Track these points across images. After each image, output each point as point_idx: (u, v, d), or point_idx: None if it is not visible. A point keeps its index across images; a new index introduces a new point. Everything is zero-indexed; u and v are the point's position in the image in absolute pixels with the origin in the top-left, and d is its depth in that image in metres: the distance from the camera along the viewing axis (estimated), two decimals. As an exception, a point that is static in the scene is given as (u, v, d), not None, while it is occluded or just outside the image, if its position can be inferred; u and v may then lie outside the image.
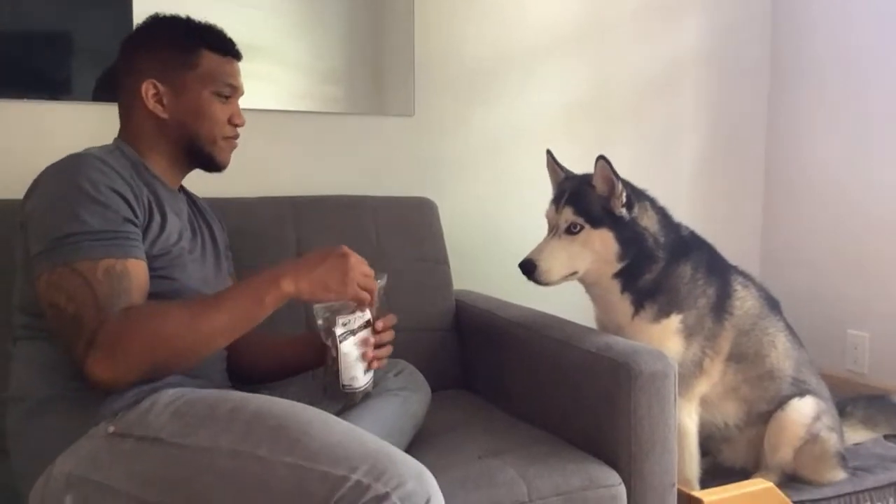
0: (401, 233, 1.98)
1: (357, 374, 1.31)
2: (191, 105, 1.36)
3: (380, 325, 1.36)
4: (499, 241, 2.28)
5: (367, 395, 1.40)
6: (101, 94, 1.83)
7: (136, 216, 1.23)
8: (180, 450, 1.11)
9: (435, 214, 2.06)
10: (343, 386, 1.31)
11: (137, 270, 1.19)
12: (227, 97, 1.40)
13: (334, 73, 2.13)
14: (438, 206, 2.08)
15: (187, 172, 1.45)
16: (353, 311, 1.30)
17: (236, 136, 1.44)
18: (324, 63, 2.11)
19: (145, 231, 1.25)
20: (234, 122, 1.42)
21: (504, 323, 1.82)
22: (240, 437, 1.10)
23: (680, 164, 2.67)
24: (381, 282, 1.35)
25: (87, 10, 1.83)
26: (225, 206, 1.68)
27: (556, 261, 1.70)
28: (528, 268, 1.69)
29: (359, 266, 1.26)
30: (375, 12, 2.16)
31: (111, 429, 1.15)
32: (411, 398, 1.53)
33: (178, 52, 1.36)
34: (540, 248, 1.72)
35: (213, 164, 1.43)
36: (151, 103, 1.35)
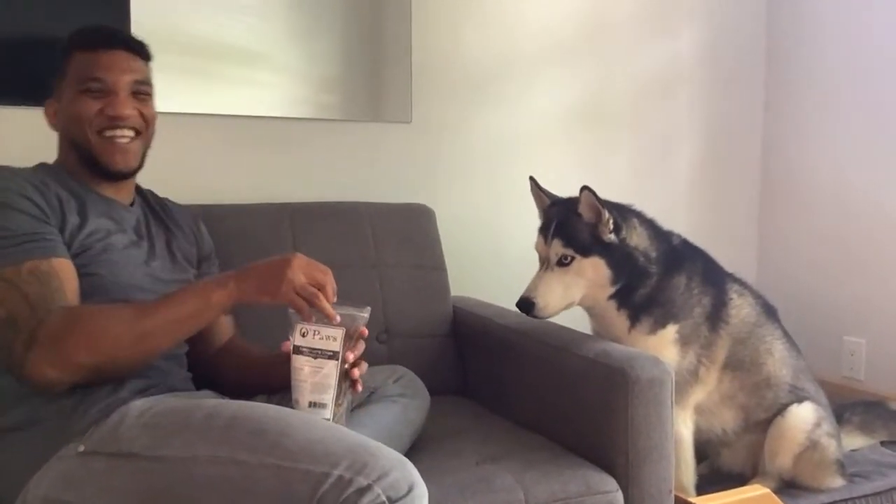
0: (398, 239, 1.98)
1: (300, 399, 1.20)
2: (65, 111, 1.33)
3: (355, 372, 1.25)
4: (496, 247, 2.29)
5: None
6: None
7: (47, 216, 1.22)
8: (156, 462, 1.10)
9: (432, 221, 2.06)
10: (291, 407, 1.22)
11: (64, 268, 1.20)
12: (98, 91, 1.31)
13: (331, 80, 2.14)
14: (436, 213, 2.08)
15: (110, 180, 1.36)
16: (320, 322, 1.21)
17: (112, 128, 1.31)
18: (321, 70, 2.12)
19: (62, 229, 1.24)
20: (106, 112, 1.30)
21: (501, 329, 1.82)
22: (217, 442, 1.09)
23: (676, 170, 2.68)
24: (363, 314, 1.24)
25: (83, 16, 1.83)
26: (221, 213, 1.69)
27: (553, 295, 1.70)
28: (527, 306, 1.70)
29: (302, 271, 1.20)
30: (373, 19, 2.17)
31: (81, 448, 1.13)
32: (410, 405, 1.53)
33: (61, 67, 1.34)
34: (535, 284, 1.72)
35: (100, 168, 1.33)
36: (51, 120, 1.37)
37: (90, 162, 1.34)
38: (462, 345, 1.96)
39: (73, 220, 1.27)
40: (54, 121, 1.36)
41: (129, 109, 1.32)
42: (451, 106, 2.28)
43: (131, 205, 1.43)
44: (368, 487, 1.01)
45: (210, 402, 1.20)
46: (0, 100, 1.78)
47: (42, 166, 1.35)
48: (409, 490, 1.04)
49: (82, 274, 1.24)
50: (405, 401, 1.51)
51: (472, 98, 2.31)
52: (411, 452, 1.46)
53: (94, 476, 1.11)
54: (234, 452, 1.07)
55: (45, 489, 1.12)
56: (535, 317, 1.70)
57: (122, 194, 1.40)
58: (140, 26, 1.84)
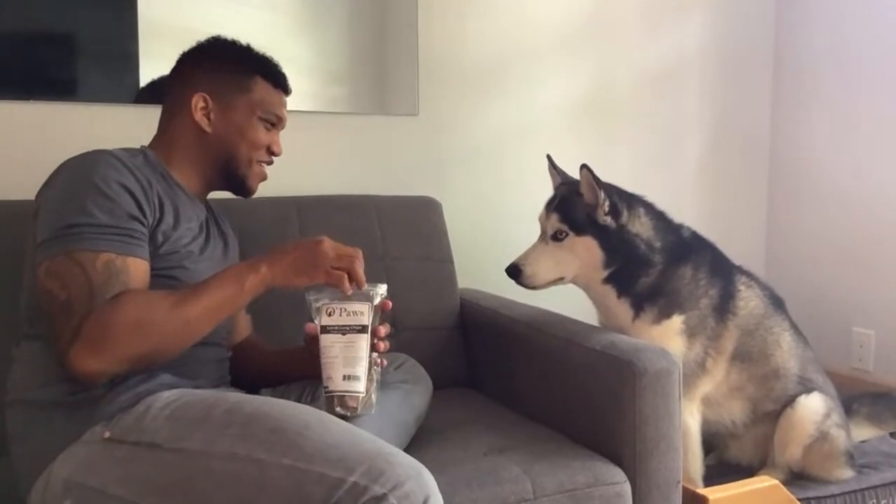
0: (406, 232, 1.98)
1: (333, 375, 1.23)
2: (236, 125, 1.40)
3: (381, 346, 1.30)
4: (503, 239, 2.26)
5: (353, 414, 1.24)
6: (143, 99, 1.83)
7: (144, 214, 1.23)
8: (176, 454, 1.10)
9: (439, 213, 2.06)
10: (324, 386, 1.24)
11: (137, 269, 1.20)
12: (271, 125, 1.45)
13: (338, 73, 2.14)
14: (443, 205, 2.08)
15: (212, 190, 1.47)
16: (340, 300, 1.24)
17: (270, 163, 1.48)
18: (328, 63, 2.12)
19: (155, 228, 1.26)
20: (272, 150, 1.46)
21: (509, 321, 1.82)
22: (236, 439, 1.09)
23: (684, 162, 2.67)
24: (380, 290, 1.28)
25: (92, 11, 1.83)
26: (229, 207, 1.68)
27: (541, 266, 1.73)
28: (514, 272, 1.72)
29: (332, 250, 1.24)
30: (379, 12, 2.17)
31: (107, 434, 1.14)
32: (413, 391, 1.53)
33: (234, 74, 1.41)
34: (526, 254, 1.75)
35: (243, 187, 1.46)
36: (199, 115, 1.38)
37: (231, 177, 1.43)
38: (469, 337, 1.97)
39: (168, 219, 1.29)
40: (202, 115, 1.38)
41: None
42: (459, 98, 2.28)
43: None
44: (383, 497, 1.00)
45: (232, 396, 1.21)
46: (7, 94, 1.77)
47: (143, 155, 1.35)
48: (425, 502, 1.03)
49: (162, 276, 1.25)
50: (407, 387, 1.52)
51: (480, 90, 2.31)
52: (418, 445, 1.47)
53: (116, 464, 1.12)
54: (252, 450, 1.08)
55: (68, 472, 1.13)
56: (522, 284, 1.73)
57: (202, 196, 1.47)
58: (147, 18, 1.85)
